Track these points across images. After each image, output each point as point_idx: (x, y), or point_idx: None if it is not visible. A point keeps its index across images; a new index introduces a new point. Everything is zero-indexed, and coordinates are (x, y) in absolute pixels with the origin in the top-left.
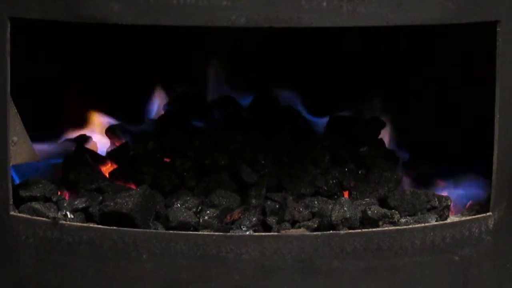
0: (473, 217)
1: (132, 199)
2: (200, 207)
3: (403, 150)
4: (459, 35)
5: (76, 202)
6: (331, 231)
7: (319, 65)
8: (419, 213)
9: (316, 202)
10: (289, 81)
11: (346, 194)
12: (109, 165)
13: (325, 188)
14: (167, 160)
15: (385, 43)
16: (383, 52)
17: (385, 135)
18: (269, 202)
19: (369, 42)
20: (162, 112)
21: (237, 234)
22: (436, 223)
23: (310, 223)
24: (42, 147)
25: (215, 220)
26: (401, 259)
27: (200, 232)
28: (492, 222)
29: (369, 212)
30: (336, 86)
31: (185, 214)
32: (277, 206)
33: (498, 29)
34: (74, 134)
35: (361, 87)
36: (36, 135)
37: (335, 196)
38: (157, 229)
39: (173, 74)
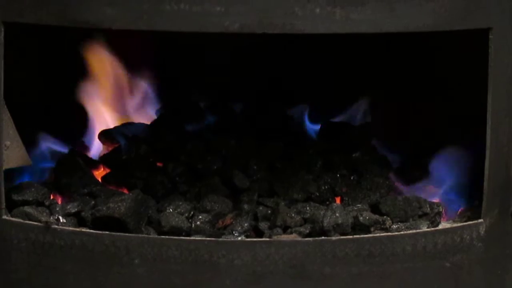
0: (465, 223)
1: (124, 203)
2: (192, 212)
3: (397, 154)
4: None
5: (68, 207)
6: (322, 237)
7: (315, 68)
8: (410, 219)
9: (308, 208)
10: (283, 86)
11: (338, 200)
12: (102, 169)
13: (317, 193)
14: (159, 164)
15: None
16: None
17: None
18: (261, 208)
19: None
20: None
21: (229, 239)
22: (427, 229)
23: (302, 229)
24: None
25: (207, 225)
26: (392, 265)
27: (192, 237)
28: (484, 229)
29: (361, 218)
30: (331, 90)
31: (177, 219)
32: (269, 211)
33: (490, 36)
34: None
35: (357, 91)
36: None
37: (327, 202)
38: (149, 234)
39: (166, 78)
